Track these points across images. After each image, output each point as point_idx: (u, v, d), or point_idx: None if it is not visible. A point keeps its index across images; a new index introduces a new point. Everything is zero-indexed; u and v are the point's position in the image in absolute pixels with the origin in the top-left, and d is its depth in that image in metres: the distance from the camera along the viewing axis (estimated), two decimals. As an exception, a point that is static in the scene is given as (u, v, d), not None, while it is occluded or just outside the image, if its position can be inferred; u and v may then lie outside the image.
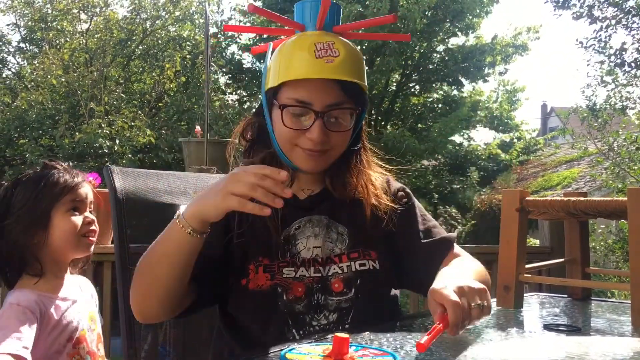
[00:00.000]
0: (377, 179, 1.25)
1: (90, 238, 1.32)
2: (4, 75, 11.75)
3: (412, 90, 14.24)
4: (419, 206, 1.29)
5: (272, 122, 1.16)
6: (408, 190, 1.30)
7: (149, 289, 1.07)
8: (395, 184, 1.30)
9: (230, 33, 14.14)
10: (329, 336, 0.89)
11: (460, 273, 1.06)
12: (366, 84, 1.17)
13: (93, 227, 1.33)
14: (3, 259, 1.28)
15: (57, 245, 1.28)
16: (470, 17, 13.06)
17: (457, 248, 1.23)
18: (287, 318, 1.12)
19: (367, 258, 1.18)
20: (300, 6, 1.18)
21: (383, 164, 1.28)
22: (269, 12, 1.18)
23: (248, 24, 13.79)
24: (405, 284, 1.30)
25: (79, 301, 1.34)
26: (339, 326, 1.13)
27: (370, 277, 1.16)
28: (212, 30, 13.21)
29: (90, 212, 1.35)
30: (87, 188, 1.34)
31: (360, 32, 1.30)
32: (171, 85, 10.19)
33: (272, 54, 1.18)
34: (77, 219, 1.29)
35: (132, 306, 1.09)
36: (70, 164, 1.40)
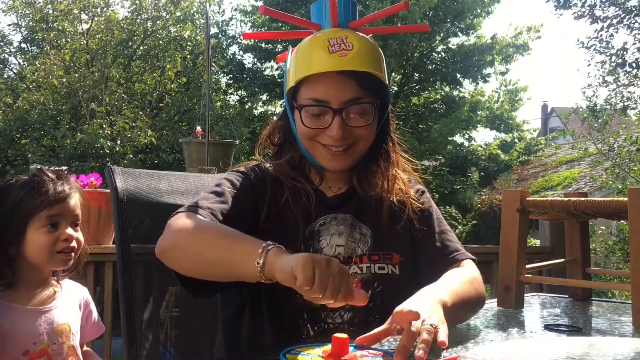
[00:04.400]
0: (404, 178, 1.24)
1: (68, 253, 1.27)
2: (5, 76, 11.76)
3: (413, 90, 14.25)
4: (436, 210, 1.28)
5: (295, 123, 1.16)
6: (428, 194, 1.29)
7: (190, 251, 0.99)
8: (417, 185, 1.29)
9: (231, 33, 14.17)
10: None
11: (438, 286, 1.03)
12: (385, 75, 1.15)
13: (72, 244, 1.27)
14: None
15: (31, 258, 1.25)
16: (471, 17, 13.06)
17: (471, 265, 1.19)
18: (302, 312, 1.12)
19: (387, 262, 1.17)
20: (316, 6, 1.17)
21: (410, 159, 1.26)
22: (282, 13, 1.17)
23: (249, 24, 13.81)
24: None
25: (51, 312, 1.29)
26: (352, 327, 1.12)
27: (388, 282, 1.16)
28: (213, 30, 13.23)
29: (75, 225, 1.29)
30: (73, 200, 1.29)
31: (378, 26, 1.28)
32: (172, 86, 10.20)
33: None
34: (52, 236, 1.24)
35: (163, 243, 1.01)
36: (61, 168, 1.33)
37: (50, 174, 1.28)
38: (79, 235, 1.30)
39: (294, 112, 1.15)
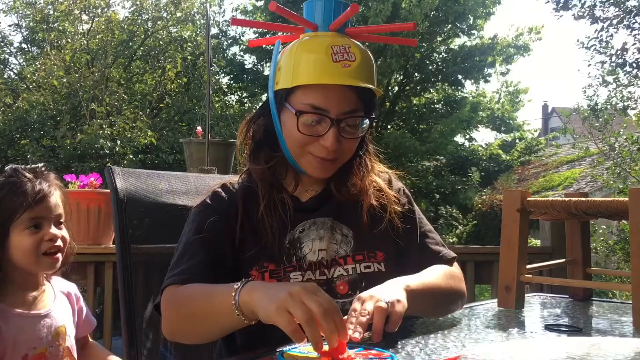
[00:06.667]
0: (380, 179, 1.24)
1: (54, 255, 1.24)
2: (5, 76, 11.78)
3: (414, 91, 14.25)
4: (417, 209, 1.29)
5: (282, 124, 1.13)
6: (408, 191, 1.29)
7: (184, 325, 1.05)
8: (397, 184, 1.29)
9: (232, 34, 14.17)
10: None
11: (407, 276, 1.07)
12: (376, 85, 1.15)
13: (57, 244, 1.23)
14: None
15: (18, 262, 1.23)
16: (473, 19, 13.06)
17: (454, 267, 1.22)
18: None
19: (372, 260, 1.17)
20: (311, 5, 1.15)
21: (384, 166, 1.27)
22: (289, 11, 1.16)
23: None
24: None
25: (50, 316, 1.27)
26: None
27: (376, 280, 1.14)
28: (214, 31, 13.23)
29: (58, 223, 1.26)
30: (54, 198, 1.25)
31: (369, 35, 1.27)
32: (172, 86, 10.23)
33: (280, 52, 1.15)
34: (36, 237, 1.21)
35: (165, 328, 1.07)
36: (37, 165, 1.29)
37: (27, 174, 1.24)
38: (64, 233, 1.27)
39: (281, 112, 1.13)
